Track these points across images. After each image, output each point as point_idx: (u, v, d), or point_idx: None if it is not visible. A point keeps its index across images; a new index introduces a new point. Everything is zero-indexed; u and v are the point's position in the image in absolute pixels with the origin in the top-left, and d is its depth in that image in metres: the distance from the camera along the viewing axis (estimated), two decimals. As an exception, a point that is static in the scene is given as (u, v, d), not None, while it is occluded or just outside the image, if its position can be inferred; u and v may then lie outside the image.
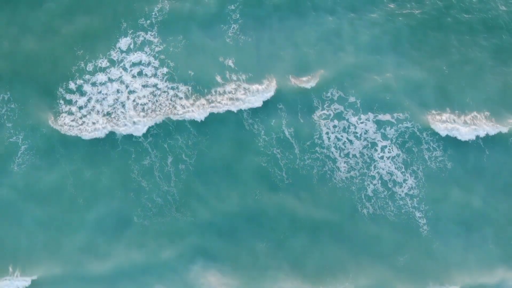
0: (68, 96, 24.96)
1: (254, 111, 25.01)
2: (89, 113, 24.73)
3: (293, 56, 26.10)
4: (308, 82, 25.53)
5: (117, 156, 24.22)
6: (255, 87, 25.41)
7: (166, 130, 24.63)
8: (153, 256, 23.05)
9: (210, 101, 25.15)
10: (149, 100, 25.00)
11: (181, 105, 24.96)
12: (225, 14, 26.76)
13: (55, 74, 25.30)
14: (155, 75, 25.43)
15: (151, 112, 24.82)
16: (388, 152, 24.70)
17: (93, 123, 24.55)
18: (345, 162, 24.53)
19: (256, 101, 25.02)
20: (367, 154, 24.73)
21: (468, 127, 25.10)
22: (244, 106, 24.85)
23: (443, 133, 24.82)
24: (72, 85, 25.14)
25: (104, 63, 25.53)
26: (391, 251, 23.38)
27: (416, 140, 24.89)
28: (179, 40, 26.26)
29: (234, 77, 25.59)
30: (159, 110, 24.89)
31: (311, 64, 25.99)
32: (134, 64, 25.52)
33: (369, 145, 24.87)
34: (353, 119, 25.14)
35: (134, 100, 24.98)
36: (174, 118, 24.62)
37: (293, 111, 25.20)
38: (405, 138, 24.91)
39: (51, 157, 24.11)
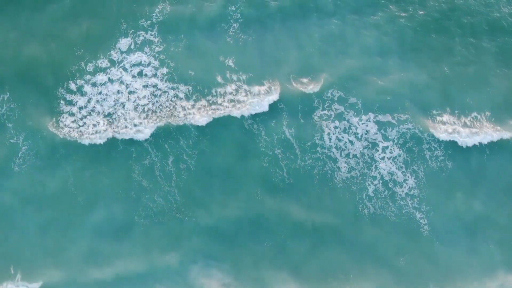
0: (68, 97, 24.92)
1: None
2: (90, 113, 24.70)
3: (295, 58, 26.13)
4: (309, 86, 25.55)
5: (118, 156, 24.19)
6: (256, 88, 25.40)
7: (166, 130, 24.61)
8: (153, 256, 22.99)
9: (211, 102, 25.12)
10: (149, 101, 24.97)
11: (181, 106, 24.93)
12: (226, 14, 26.76)
13: (55, 75, 25.28)
14: (155, 75, 25.41)
15: (151, 113, 24.78)
16: (390, 152, 24.71)
17: (94, 125, 24.52)
18: (345, 162, 24.55)
19: (262, 106, 24.98)
20: (367, 155, 24.75)
21: (469, 130, 25.11)
22: (249, 111, 24.81)
23: (444, 137, 24.81)
24: (72, 86, 25.10)
25: (104, 63, 25.50)
26: (392, 253, 23.37)
27: (417, 140, 24.92)
28: (180, 39, 26.24)
29: (235, 77, 25.61)
30: (160, 111, 24.85)
31: (313, 66, 26.02)
32: (134, 65, 25.49)
33: (370, 146, 24.89)
34: (354, 120, 25.16)
35: (134, 101, 24.95)
36: (176, 123, 24.56)
37: (293, 111, 25.20)
38: (406, 139, 24.94)
39: (52, 158, 24.04)
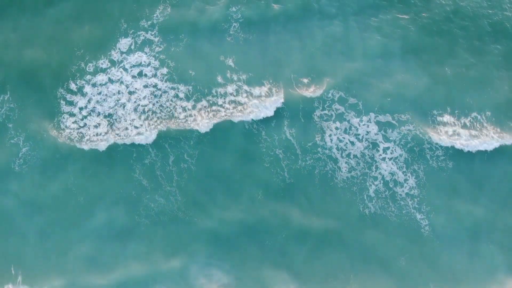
0: (69, 97, 24.88)
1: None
2: (90, 113, 24.65)
3: (297, 60, 26.09)
4: (310, 88, 25.54)
5: (118, 156, 24.15)
6: (257, 89, 25.37)
7: (168, 135, 24.58)
8: (154, 256, 23.00)
9: (211, 102, 25.08)
10: (149, 101, 24.93)
11: (181, 106, 24.89)
12: (227, 15, 26.70)
13: (56, 75, 25.22)
14: (155, 76, 25.36)
15: (151, 114, 24.75)
16: (391, 153, 24.72)
17: (95, 127, 24.48)
18: (346, 162, 24.55)
19: (268, 112, 24.96)
20: (368, 155, 24.76)
21: (469, 131, 25.12)
22: (256, 116, 24.80)
23: (445, 140, 24.82)
24: (73, 86, 25.05)
25: (105, 64, 25.44)
26: (392, 253, 23.40)
27: (418, 141, 24.94)
28: (181, 39, 26.21)
29: (235, 77, 25.57)
30: (160, 112, 24.81)
31: (314, 68, 26.00)
32: (134, 65, 25.43)
33: (371, 146, 24.90)
34: (355, 121, 25.16)
35: (135, 102, 24.91)
36: (178, 127, 24.51)
37: (295, 112, 25.19)
38: (408, 140, 24.94)
39: (52, 158, 24.01)
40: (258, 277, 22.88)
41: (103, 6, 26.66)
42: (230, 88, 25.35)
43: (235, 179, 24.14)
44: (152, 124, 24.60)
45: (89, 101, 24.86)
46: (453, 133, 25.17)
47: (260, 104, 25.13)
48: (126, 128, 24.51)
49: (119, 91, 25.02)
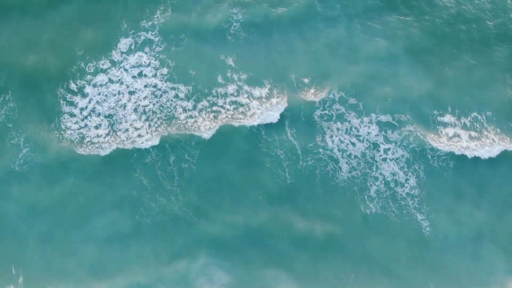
0: (69, 97, 24.83)
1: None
2: (90, 114, 24.61)
3: (299, 62, 26.14)
4: (311, 89, 25.53)
5: (119, 155, 24.13)
6: (258, 90, 25.35)
7: (171, 139, 24.59)
8: (154, 255, 23.02)
9: (211, 102, 25.05)
10: (150, 101, 24.90)
11: (182, 106, 24.86)
12: (228, 16, 26.66)
13: (56, 76, 25.22)
14: (155, 76, 25.32)
15: (152, 114, 24.71)
16: (392, 154, 24.73)
17: (96, 127, 24.45)
18: (347, 163, 24.55)
19: (273, 117, 24.92)
20: (369, 155, 24.76)
21: (471, 136, 25.13)
22: (261, 121, 24.77)
23: (446, 145, 24.84)
24: (73, 86, 25.00)
25: (105, 64, 25.40)
26: (393, 252, 23.45)
27: (419, 142, 24.94)
28: (181, 39, 26.18)
29: (236, 77, 25.57)
30: (160, 112, 24.78)
31: (316, 70, 26.01)
32: (135, 65, 25.39)
33: (372, 147, 24.89)
34: (356, 121, 25.15)
35: (135, 102, 24.87)
36: (180, 132, 24.47)
37: (296, 113, 25.19)
38: (409, 140, 24.95)
39: (52, 159, 23.98)
40: (258, 276, 22.90)
41: (104, 8, 26.63)
42: (231, 88, 25.32)
43: (236, 180, 24.16)
44: (153, 126, 24.55)
45: (89, 102, 24.81)
46: (454, 135, 25.18)
47: (265, 109, 25.08)
48: (127, 130, 24.47)
49: (119, 91, 24.99)
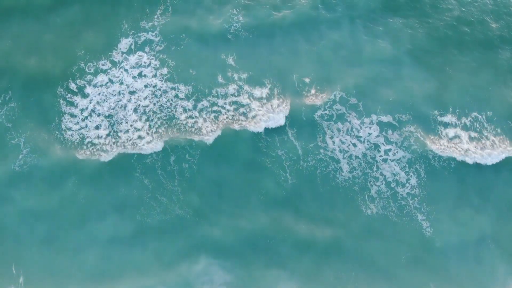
0: (69, 97, 24.82)
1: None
2: (90, 114, 24.60)
3: (301, 64, 26.16)
4: (312, 90, 25.53)
5: (121, 158, 24.13)
6: (258, 91, 25.34)
7: (171, 139, 24.58)
8: (155, 255, 23.04)
9: (211, 102, 25.04)
10: (150, 101, 24.89)
11: (182, 106, 24.85)
12: (228, 17, 26.65)
13: (56, 76, 25.19)
14: (155, 76, 25.30)
15: (152, 114, 24.70)
16: (393, 155, 24.74)
17: (96, 128, 24.43)
18: (347, 163, 24.57)
19: (279, 121, 24.91)
20: (370, 156, 24.77)
21: (468, 134, 25.16)
22: (267, 125, 24.75)
23: (448, 149, 24.86)
24: (73, 86, 24.99)
25: (106, 65, 25.39)
26: (394, 252, 23.47)
27: (420, 143, 24.95)
28: (181, 38, 26.16)
29: (236, 77, 25.55)
30: (161, 112, 24.77)
31: (318, 72, 26.03)
32: (135, 65, 25.38)
33: (373, 147, 24.91)
34: (357, 122, 25.16)
35: (135, 102, 24.85)
36: (184, 137, 24.44)
37: (296, 112, 25.19)
38: (410, 142, 24.97)
39: (53, 159, 23.97)
40: (259, 275, 22.90)
41: (105, 8, 26.62)
42: (231, 88, 25.30)
43: (237, 181, 24.15)
44: (153, 126, 24.53)
45: (90, 102, 24.79)
46: (455, 135, 25.20)
47: (266, 110, 25.06)
48: (127, 131, 24.44)
49: (119, 91, 24.96)
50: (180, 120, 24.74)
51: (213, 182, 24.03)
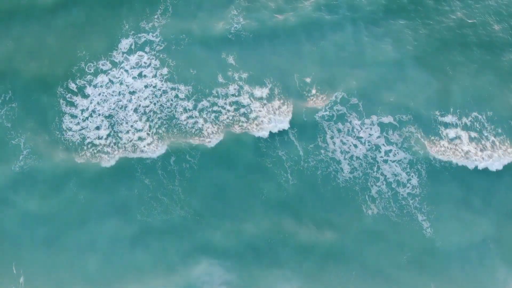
0: (69, 97, 24.80)
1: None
2: (91, 115, 24.58)
3: (302, 65, 26.12)
4: (313, 91, 25.52)
5: (122, 162, 24.11)
6: (258, 91, 25.32)
7: (172, 143, 24.57)
8: (155, 255, 23.04)
9: (211, 102, 25.02)
10: (150, 102, 24.88)
11: (182, 106, 24.83)
12: (228, 17, 26.61)
13: (57, 76, 25.18)
14: (155, 76, 25.29)
15: (153, 114, 24.69)
16: (393, 155, 24.73)
17: (96, 128, 24.42)
18: (348, 164, 24.56)
19: (283, 123, 24.87)
20: (371, 156, 24.76)
21: (473, 138, 25.15)
22: (273, 129, 24.72)
23: (448, 151, 24.85)
24: (73, 86, 24.97)
25: (106, 65, 25.37)
26: (394, 252, 23.49)
27: (420, 144, 24.95)
28: (182, 38, 26.13)
29: (236, 76, 25.53)
30: (161, 112, 24.75)
31: (319, 73, 26.00)
32: (135, 65, 25.36)
33: (373, 148, 24.90)
34: (357, 123, 25.15)
35: (135, 102, 24.83)
36: (186, 141, 24.41)
37: (297, 113, 25.16)
38: (410, 143, 24.96)
39: (53, 159, 23.95)
40: (260, 274, 22.92)
41: (105, 9, 26.59)
42: (232, 88, 25.28)
43: (237, 179, 24.14)
44: (153, 127, 24.51)
45: (90, 102, 24.78)
46: (455, 136, 25.19)
47: (267, 112, 25.04)
48: (128, 131, 24.43)
49: (120, 92, 24.95)
50: (181, 121, 24.73)
51: (213, 183, 24.03)
